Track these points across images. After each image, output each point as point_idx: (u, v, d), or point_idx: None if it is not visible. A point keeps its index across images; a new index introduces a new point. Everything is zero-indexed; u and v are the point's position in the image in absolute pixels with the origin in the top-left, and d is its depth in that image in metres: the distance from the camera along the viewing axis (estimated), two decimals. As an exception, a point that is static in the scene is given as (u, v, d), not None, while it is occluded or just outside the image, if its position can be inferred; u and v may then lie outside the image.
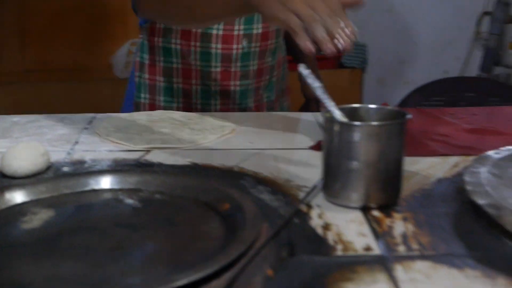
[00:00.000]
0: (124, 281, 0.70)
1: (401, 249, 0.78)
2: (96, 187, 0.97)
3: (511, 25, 3.60)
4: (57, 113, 1.51)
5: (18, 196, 0.92)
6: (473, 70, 3.68)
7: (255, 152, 1.19)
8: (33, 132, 1.35)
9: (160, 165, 1.12)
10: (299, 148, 1.21)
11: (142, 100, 1.68)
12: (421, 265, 0.74)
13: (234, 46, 1.57)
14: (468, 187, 0.88)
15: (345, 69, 3.02)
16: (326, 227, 0.85)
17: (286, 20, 1.00)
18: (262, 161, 1.13)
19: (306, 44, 0.98)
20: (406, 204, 0.92)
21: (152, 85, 1.65)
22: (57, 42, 3.32)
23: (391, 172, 0.90)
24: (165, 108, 1.62)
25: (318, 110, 1.61)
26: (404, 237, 0.81)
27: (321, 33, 0.97)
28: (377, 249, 0.78)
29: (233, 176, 1.05)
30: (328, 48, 0.98)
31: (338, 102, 0.95)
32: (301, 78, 0.97)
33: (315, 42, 0.98)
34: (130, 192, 0.96)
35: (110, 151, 1.21)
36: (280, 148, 1.21)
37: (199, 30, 1.55)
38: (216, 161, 1.13)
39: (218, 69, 1.61)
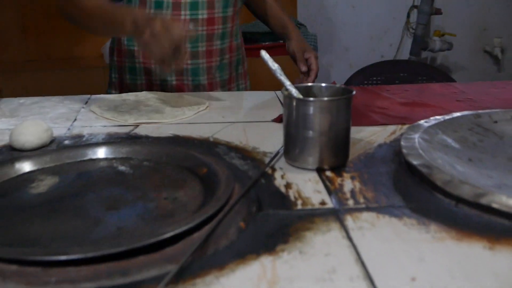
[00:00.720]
0: (120, 236, 0.69)
1: (350, 202, 0.78)
2: (93, 156, 0.96)
3: (435, 16, 3.64)
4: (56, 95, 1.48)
5: (26, 166, 0.91)
6: (405, 55, 3.71)
7: (227, 125, 1.18)
8: (37, 112, 1.33)
9: (147, 137, 1.11)
10: (263, 121, 1.20)
11: (113, 80, 1.67)
12: (367, 216, 0.74)
13: None
14: (404, 150, 0.88)
15: (299, 55, 3.01)
16: (288, 186, 0.85)
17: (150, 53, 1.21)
18: (232, 132, 1.12)
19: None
20: (353, 166, 0.92)
21: (120, 66, 1.63)
22: (54, 34, 3.28)
23: (340, 140, 0.90)
24: (130, 85, 1.61)
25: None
26: (352, 192, 0.82)
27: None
28: (330, 203, 0.78)
29: (209, 145, 1.05)
30: (165, 69, 1.23)
31: (294, 81, 0.94)
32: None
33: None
34: (122, 160, 0.95)
35: (104, 126, 1.19)
36: (247, 121, 1.20)
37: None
38: (194, 133, 1.13)
39: None
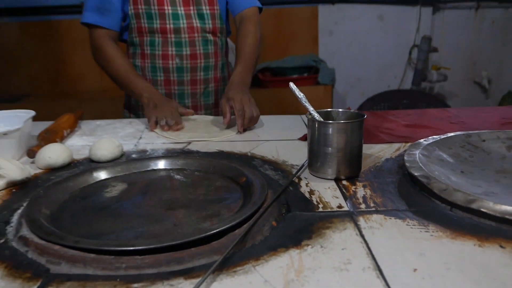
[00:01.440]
0: (176, 231, 0.70)
1: (362, 206, 0.78)
2: (155, 167, 0.97)
3: (433, 53, 3.60)
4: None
5: (102, 175, 0.93)
6: (407, 85, 3.68)
7: (262, 142, 1.18)
8: (110, 131, 1.35)
9: (197, 152, 1.12)
10: (291, 139, 1.20)
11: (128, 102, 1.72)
12: (376, 217, 0.73)
13: (170, 62, 1.56)
14: (407, 164, 0.87)
15: (320, 85, 3.01)
16: (311, 192, 0.84)
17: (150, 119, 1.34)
18: (266, 149, 1.12)
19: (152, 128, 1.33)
20: (364, 176, 0.92)
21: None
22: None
23: (354, 155, 0.90)
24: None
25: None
26: (364, 198, 0.81)
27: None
28: (346, 207, 0.78)
29: (247, 159, 1.05)
30: (165, 130, 1.29)
31: (316, 107, 0.94)
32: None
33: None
34: (177, 170, 0.96)
35: (163, 143, 1.21)
36: (278, 140, 1.20)
37: (148, 51, 1.56)
38: (235, 149, 1.13)
39: (162, 78, 1.59)
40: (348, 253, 0.63)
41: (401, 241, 0.65)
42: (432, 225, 0.70)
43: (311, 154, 0.92)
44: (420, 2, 3.53)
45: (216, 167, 0.94)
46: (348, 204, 0.79)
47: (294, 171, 0.96)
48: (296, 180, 0.90)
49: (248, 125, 1.30)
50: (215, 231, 0.64)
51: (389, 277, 0.57)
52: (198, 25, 1.54)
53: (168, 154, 1.09)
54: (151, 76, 1.58)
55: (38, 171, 1.01)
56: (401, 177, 0.90)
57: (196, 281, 0.57)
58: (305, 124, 1.36)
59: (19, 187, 0.92)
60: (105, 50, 1.47)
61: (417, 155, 0.91)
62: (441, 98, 3.64)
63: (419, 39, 3.57)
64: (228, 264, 0.61)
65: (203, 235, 0.63)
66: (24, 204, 0.82)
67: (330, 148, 0.88)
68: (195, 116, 1.46)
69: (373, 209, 0.77)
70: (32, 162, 1.07)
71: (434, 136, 1.02)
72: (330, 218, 0.73)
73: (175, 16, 1.51)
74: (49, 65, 3.33)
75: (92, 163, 1.05)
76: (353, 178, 0.91)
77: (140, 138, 1.27)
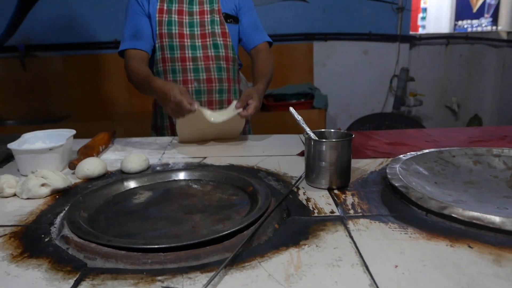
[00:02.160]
0: (194, 232, 0.70)
1: (351, 212, 0.78)
2: (176, 178, 0.97)
3: (410, 82, 3.60)
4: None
5: (131, 184, 0.93)
6: (389, 109, 3.67)
7: (266, 157, 1.18)
8: (138, 147, 1.36)
9: (212, 165, 1.12)
10: (290, 155, 1.20)
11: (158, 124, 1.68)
12: (363, 221, 0.73)
13: (189, 86, 1.56)
14: (389, 176, 0.87)
15: (315, 109, 3.01)
16: (308, 199, 0.84)
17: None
18: (270, 162, 1.13)
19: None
20: (353, 186, 0.92)
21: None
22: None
23: (344, 168, 0.90)
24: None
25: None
26: (353, 205, 0.81)
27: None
28: (337, 212, 0.78)
29: (253, 171, 1.05)
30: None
31: (312, 128, 0.94)
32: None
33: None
34: (195, 181, 0.96)
35: (183, 157, 1.21)
36: (280, 155, 1.20)
37: (170, 78, 1.55)
38: (244, 163, 1.13)
39: None
40: (339, 252, 0.63)
41: (384, 242, 0.65)
42: (410, 228, 0.70)
43: (308, 167, 0.92)
44: (399, 39, 3.55)
45: (227, 178, 0.94)
46: (339, 210, 0.79)
47: (293, 181, 0.96)
48: (295, 190, 0.90)
49: (246, 116, 1.31)
50: (226, 232, 0.64)
51: (374, 272, 0.57)
52: (213, 54, 1.56)
53: (187, 167, 1.10)
54: None
55: (78, 180, 1.02)
56: (383, 187, 0.90)
57: (210, 274, 0.57)
58: (303, 142, 1.36)
59: (61, 194, 0.93)
60: (132, 64, 1.46)
61: (397, 168, 0.91)
62: (417, 120, 3.63)
63: (399, 70, 3.58)
64: (238, 260, 0.61)
65: (217, 235, 0.63)
66: (66, 209, 0.82)
67: (323, 162, 0.88)
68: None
69: (360, 214, 0.77)
70: (73, 173, 1.07)
71: (412, 152, 1.02)
72: (324, 222, 0.73)
73: (193, 48, 1.54)
74: (87, 91, 3.36)
75: (123, 174, 1.05)
76: (343, 187, 0.91)
77: (164, 153, 1.27)
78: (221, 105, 1.62)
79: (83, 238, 0.65)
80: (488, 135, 1.37)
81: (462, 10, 3.84)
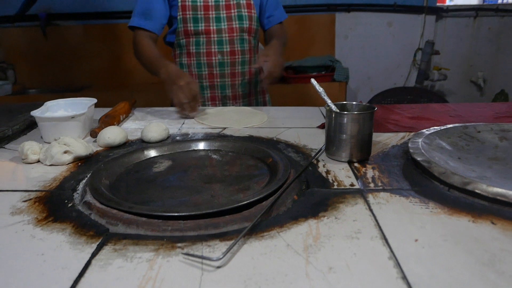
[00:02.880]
0: (213, 201, 0.70)
1: (372, 185, 0.77)
2: (195, 148, 0.97)
3: (435, 56, 3.51)
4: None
5: (151, 153, 0.94)
6: (412, 83, 3.60)
7: (286, 129, 1.18)
8: (158, 117, 1.37)
9: (231, 136, 1.12)
10: (311, 127, 1.20)
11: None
12: (383, 195, 0.73)
13: (213, 58, 1.56)
14: (411, 150, 0.86)
15: (336, 82, 2.96)
16: (328, 172, 0.84)
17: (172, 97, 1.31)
18: (289, 134, 1.12)
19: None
20: (373, 160, 0.91)
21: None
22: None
23: (365, 141, 0.89)
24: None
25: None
26: (373, 178, 0.80)
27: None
28: (357, 185, 0.77)
29: (273, 143, 1.05)
30: (181, 112, 1.32)
31: (332, 100, 0.93)
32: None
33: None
34: (215, 151, 0.96)
35: (203, 128, 1.21)
36: (300, 127, 1.20)
37: (193, 50, 1.57)
38: (263, 134, 1.13)
39: (206, 72, 1.59)
40: (359, 224, 0.62)
41: (405, 216, 0.65)
42: (431, 203, 0.69)
43: (328, 139, 0.92)
44: (425, 10, 3.44)
45: (247, 148, 0.94)
46: (359, 183, 0.78)
47: (313, 154, 0.95)
48: (315, 162, 0.90)
49: (268, 77, 1.41)
50: (246, 202, 0.65)
51: (393, 245, 0.57)
52: (237, 25, 1.56)
53: (207, 137, 1.10)
54: (197, 71, 1.59)
55: (99, 148, 1.04)
56: (405, 161, 0.89)
57: (229, 243, 0.58)
58: (323, 114, 1.35)
59: (83, 161, 0.94)
60: (142, 43, 1.49)
61: (420, 143, 0.89)
62: (441, 95, 3.55)
63: (423, 43, 3.48)
64: (257, 230, 0.61)
65: (236, 205, 0.64)
66: (88, 175, 0.84)
67: (344, 135, 0.87)
68: (227, 108, 1.46)
69: (381, 187, 0.76)
70: (94, 141, 1.09)
71: (435, 127, 1.00)
72: (344, 194, 0.73)
73: (218, 19, 1.53)
74: (107, 61, 3.37)
75: (143, 143, 1.07)
76: (363, 161, 0.90)
77: (183, 123, 1.28)
78: (243, 77, 1.62)
79: (105, 204, 0.67)
80: (515, 111, 1.33)
81: (493, -19, 3.68)
